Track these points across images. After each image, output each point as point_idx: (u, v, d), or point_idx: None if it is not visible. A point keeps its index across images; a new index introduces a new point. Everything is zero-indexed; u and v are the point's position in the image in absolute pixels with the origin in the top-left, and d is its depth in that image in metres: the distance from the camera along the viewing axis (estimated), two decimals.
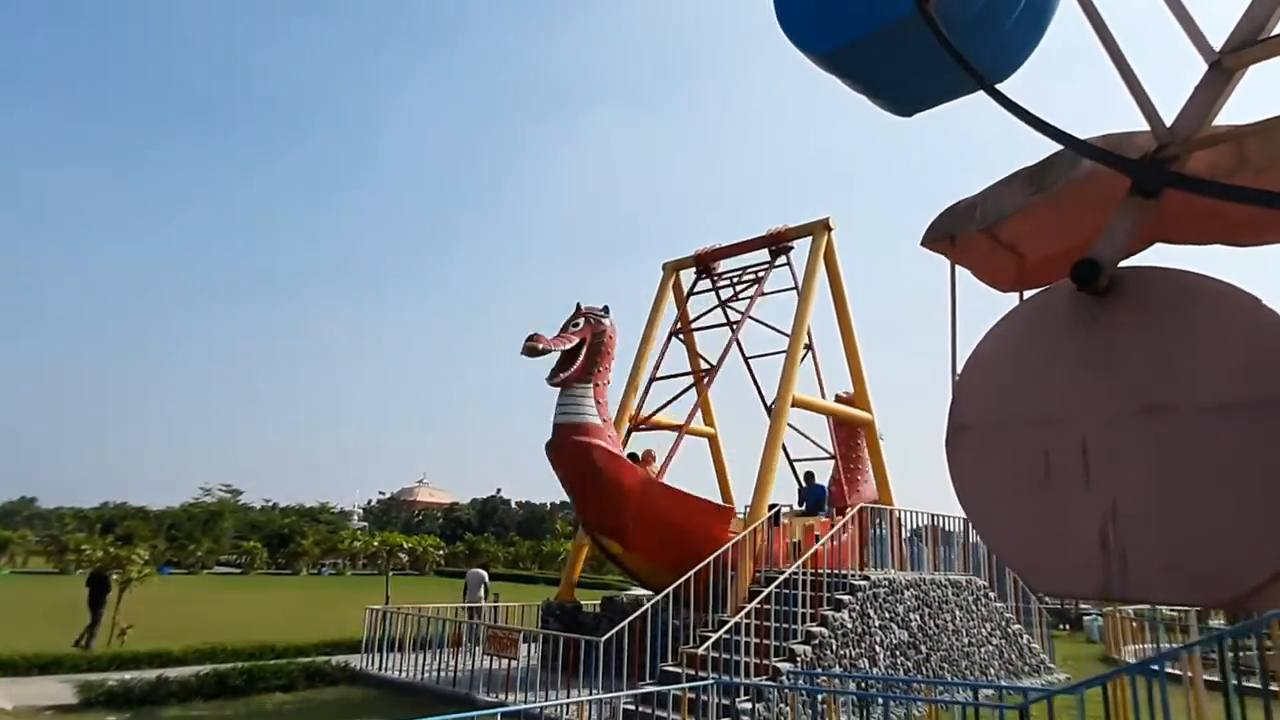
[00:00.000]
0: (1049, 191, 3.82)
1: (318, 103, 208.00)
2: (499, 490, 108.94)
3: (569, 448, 12.36)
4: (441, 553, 43.04)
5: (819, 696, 9.58)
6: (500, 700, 11.14)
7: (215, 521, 55.93)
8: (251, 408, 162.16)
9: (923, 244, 4.39)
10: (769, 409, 16.14)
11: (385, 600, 19.83)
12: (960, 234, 4.24)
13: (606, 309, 13.02)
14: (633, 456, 14.68)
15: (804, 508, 15.56)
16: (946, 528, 14.97)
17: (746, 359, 16.48)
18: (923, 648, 12.67)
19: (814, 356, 15.53)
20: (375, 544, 26.59)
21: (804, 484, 16.11)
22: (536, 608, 16.32)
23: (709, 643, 9.62)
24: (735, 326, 15.90)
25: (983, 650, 14.12)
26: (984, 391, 3.18)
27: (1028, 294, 4.74)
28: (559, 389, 12.44)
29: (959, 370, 3.35)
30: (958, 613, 13.71)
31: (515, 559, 67.57)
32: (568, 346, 12.15)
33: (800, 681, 9.81)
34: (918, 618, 12.72)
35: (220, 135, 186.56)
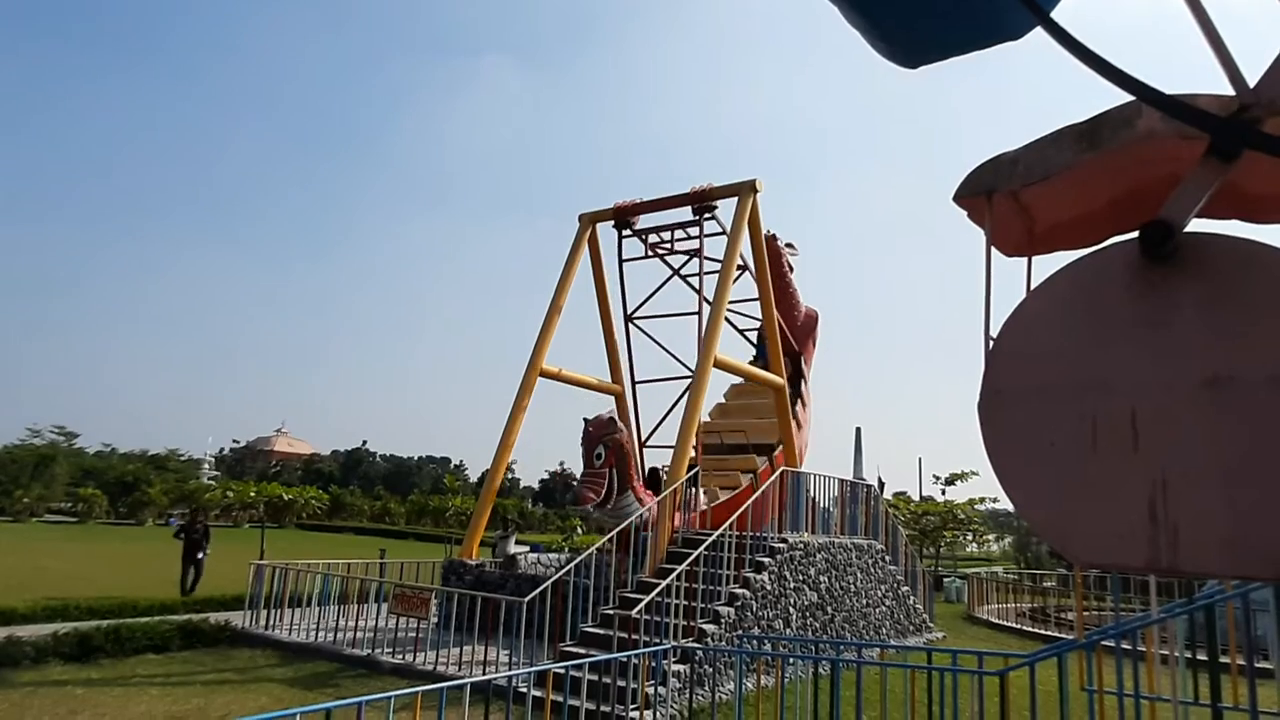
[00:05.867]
0: (1099, 151, 3.66)
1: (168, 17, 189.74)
2: (364, 442, 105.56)
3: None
4: (320, 504, 40.82)
5: (743, 657, 9.57)
6: (408, 663, 10.55)
7: (46, 465, 50.96)
8: (87, 345, 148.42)
9: (956, 198, 4.16)
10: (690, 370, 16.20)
11: (261, 555, 18.57)
12: (998, 190, 4.06)
13: (613, 420, 13.53)
14: (654, 474, 15.69)
15: (763, 363, 16.67)
16: (852, 492, 15.36)
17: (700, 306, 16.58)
18: (829, 609, 12.97)
19: (751, 274, 16.14)
20: (252, 494, 24.70)
21: (759, 344, 17.32)
22: (432, 565, 15.67)
23: (641, 605, 9.36)
24: (700, 313, 15.68)
25: (877, 611, 14.66)
26: (1025, 355, 3.00)
27: (1035, 259, 4.68)
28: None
29: (994, 332, 3.20)
30: (859, 575, 14.12)
31: (382, 513, 65.49)
32: (604, 482, 12.93)
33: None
34: (826, 580, 12.99)
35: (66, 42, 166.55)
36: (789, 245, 18.23)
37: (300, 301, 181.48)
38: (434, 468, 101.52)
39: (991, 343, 3.19)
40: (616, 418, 13.90)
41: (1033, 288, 3.15)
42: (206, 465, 78.96)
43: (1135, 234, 2.75)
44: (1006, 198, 4.08)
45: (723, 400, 18.80)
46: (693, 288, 16.30)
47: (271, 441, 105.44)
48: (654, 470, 16.19)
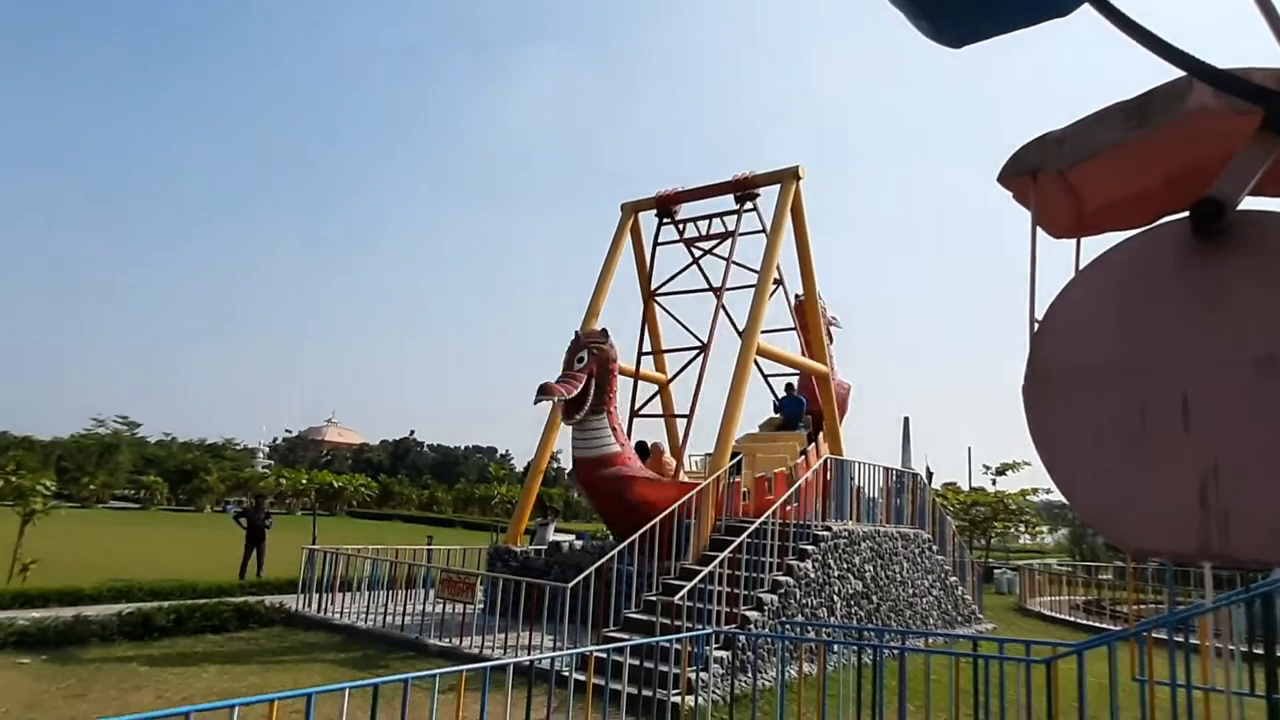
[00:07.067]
0: (1148, 128, 3.55)
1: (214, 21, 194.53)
2: (412, 432, 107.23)
3: (599, 482, 12.67)
4: (370, 492, 41.84)
5: (785, 644, 9.54)
6: (454, 646, 10.75)
7: (110, 454, 52.95)
8: (146, 337, 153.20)
9: (1001, 178, 4.06)
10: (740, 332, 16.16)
11: (313, 540, 19.04)
12: (1044, 170, 3.96)
13: (605, 332, 13.03)
14: (640, 446, 14.91)
15: (782, 419, 15.90)
16: (897, 481, 15.18)
17: (732, 319, 16.45)
18: (874, 598, 12.87)
19: (785, 292, 15.76)
20: (303, 482, 25.46)
21: (784, 395, 16.60)
22: (478, 552, 15.92)
23: (684, 591, 9.40)
24: (719, 292, 15.56)
25: (924, 600, 14.49)
26: (1071, 337, 2.93)
27: (1084, 240, 4.57)
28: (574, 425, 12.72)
29: (1040, 315, 3.13)
30: (905, 564, 13.97)
31: (430, 501, 66.64)
32: (579, 389, 12.25)
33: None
34: (871, 569, 12.89)
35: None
36: (833, 317, 17.79)
37: (348, 295, 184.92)
38: (480, 457, 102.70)
39: (1036, 325, 3.13)
40: (610, 335, 13.24)
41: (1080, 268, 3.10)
42: (261, 454, 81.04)
43: (1186, 213, 2.68)
44: (1054, 178, 3.98)
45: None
46: (708, 281, 16.09)
47: (322, 432, 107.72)
48: (641, 444, 15.51)
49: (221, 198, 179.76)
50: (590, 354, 12.54)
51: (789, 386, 16.69)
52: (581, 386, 12.27)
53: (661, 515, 11.80)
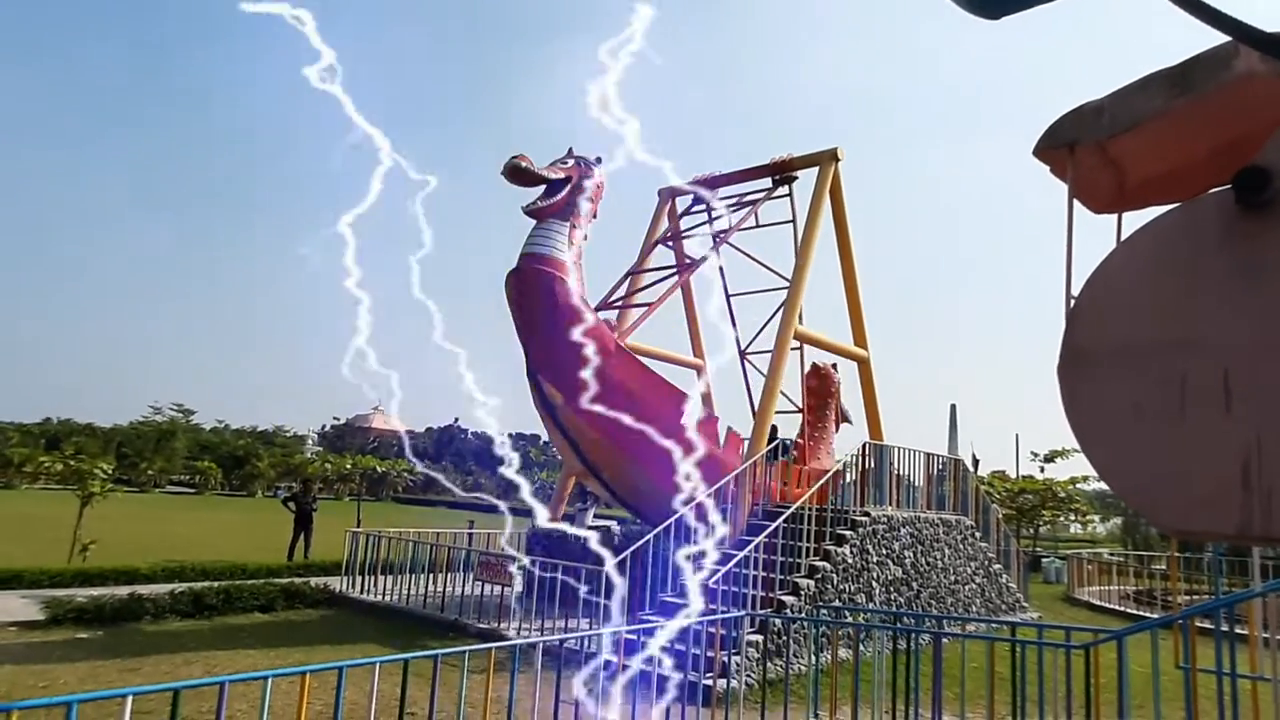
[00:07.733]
0: (1192, 96, 3.40)
1: None
2: (456, 419, 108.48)
3: (528, 275, 11.48)
4: (414, 478, 42.74)
5: (821, 629, 9.48)
6: (493, 628, 10.90)
7: (167, 440, 54.70)
8: (198, 328, 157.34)
9: (1036, 151, 3.93)
10: (741, 352, 15.95)
11: (357, 523, 19.42)
12: (1082, 142, 3.82)
13: (599, 159, 12.13)
14: None
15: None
16: (939, 467, 14.94)
17: (727, 291, 16.23)
18: (914, 584, 12.71)
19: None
20: (348, 466, 26.01)
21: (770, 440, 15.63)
22: (519, 536, 16.07)
23: (719, 574, 9.40)
24: (721, 236, 15.39)
25: (967, 588, 14.26)
26: (1109, 313, 2.83)
27: (1126, 215, 4.41)
28: (534, 220, 11.67)
29: (1076, 290, 3.02)
30: (947, 551, 13.76)
31: (474, 488, 67.59)
32: (554, 177, 11.40)
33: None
34: (911, 555, 12.72)
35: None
36: (846, 410, 17.08)
37: (391, 285, 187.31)
38: (524, 444, 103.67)
39: (1072, 302, 3.03)
40: (603, 170, 12.27)
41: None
42: (310, 441, 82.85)
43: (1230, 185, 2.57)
44: (1092, 150, 3.84)
45: None
46: (712, 240, 15.85)
47: (369, 419, 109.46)
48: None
49: (265, 197, 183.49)
50: (577, 162, 11.75)
51: (773, 429, 15.35)
52: (560, 177, 11.45)
53: (698, 499, 11.68)
